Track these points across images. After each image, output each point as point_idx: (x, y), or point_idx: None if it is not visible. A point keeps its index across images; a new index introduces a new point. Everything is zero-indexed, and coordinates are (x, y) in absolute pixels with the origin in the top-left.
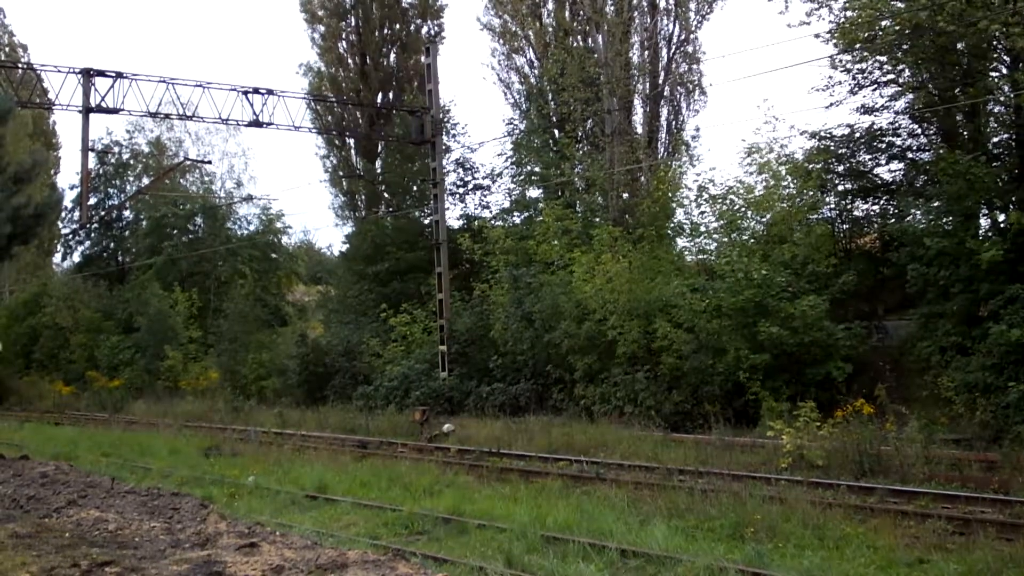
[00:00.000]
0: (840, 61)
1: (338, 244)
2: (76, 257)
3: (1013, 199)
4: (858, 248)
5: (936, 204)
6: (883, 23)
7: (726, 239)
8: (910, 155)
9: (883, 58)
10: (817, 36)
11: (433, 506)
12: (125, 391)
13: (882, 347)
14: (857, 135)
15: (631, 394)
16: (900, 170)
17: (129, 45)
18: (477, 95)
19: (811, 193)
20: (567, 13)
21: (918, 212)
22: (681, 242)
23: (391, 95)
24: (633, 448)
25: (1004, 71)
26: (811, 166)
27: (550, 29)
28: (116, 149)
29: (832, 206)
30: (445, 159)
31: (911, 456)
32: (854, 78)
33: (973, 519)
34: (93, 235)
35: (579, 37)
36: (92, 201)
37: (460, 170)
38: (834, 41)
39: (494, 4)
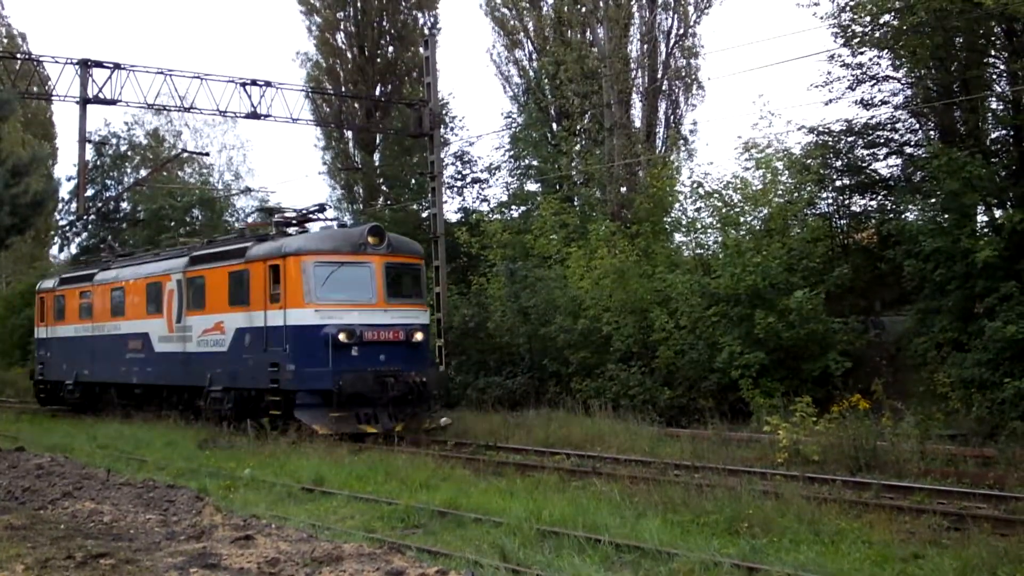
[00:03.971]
0: (839, 56)
1: None
2: (73, 248)
3: (1011, 195)
4: (855, 243)
5: (932, 201)
6: (885, 17)
7: (721, 237)
8: (908, 150)
9: (882, 53)
10: (818, 16)
11: (429, 500)
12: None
13: (879, 342)
14: (856, 130)
15: (626, 388)
16: (898, 166)
17: (127, 36)
18: (476, 83)
19: (808, 187)
20: (566, 7)
21: (915, 209)
22: (678, 237)
23: (389, 87)
24: (629, 442)
25: (1002, 67)
26: (809, 161)
27: (549, 21)
28: (114, 141)
29: (830, 201)
30: (443, 152)
31: (907, 451)
32: (853, 73)
33: (968, 515)
34: (90, 226)
35: (578, 31)
36: (89, 192)
37: (458, 163)
38: (835, 26)
39: None
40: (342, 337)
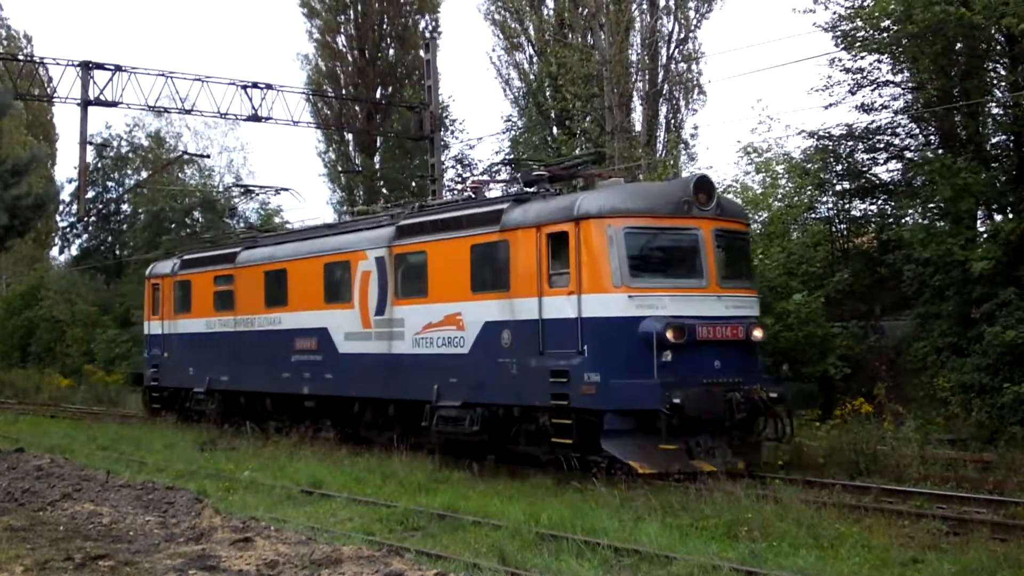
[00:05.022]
0: (839, 60)
1: None
2: (74, 250)
3: (1011, 200)
4: (855, 248)
5: (931, 206)
6: (885, 23)
7: None
8: (908, 155)
9: (883, 57)
10: (816, 25)
11: (428, 503)
12: (122, 385)
13: (879, 347)
14: (856, 134)
15: None
16: (898, 170)
17: (128, 38)
18: (476, 85)
19: (808, 191)
20: (566, 11)
21: (914, 214)
22: None
23: (390, 90)
24: None
25: (1003, 72)
26: (809, 165)
27: (550, 26)
28: (115, 143)
29: (830, 205)
30: (444, 155)
31: (907, 456)
32: (853, 77)
33: (968, 519)
34: (91, 228)
35: (579, 34)
36: (90, 194)
37: (459, 166)
38: (835, 31)
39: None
40: (670, 335)
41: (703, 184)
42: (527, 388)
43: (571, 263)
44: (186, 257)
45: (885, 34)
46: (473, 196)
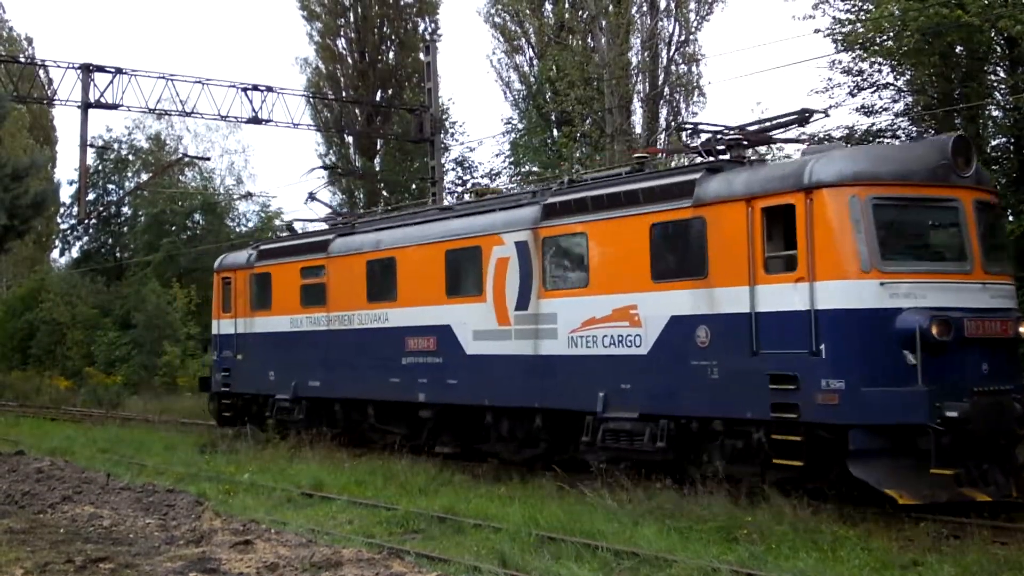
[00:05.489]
0: (839, 62)
1: None
2: (74, 253)
3: (1011, 202)
4: None
5: None
6: (885, 25)
7: None
8: None
9: (883, 60)
10: (818, 31)
11: (428, 505)
12: (122, 387)
13: None
14: (857, 136)
15: None
16: None
17: (129, 40)
18: (476, 88)
19: None
20: (567, 14)
21: None
22: None
23: (390, 92)
24: None
25: (1003, 75)
26: None
27: (550, 29)
28: (116, 145)
29: None
30: (444, 158)
31: None
32: (853, 79)
33: (968, 522)
34: (91, 231)
35: (579, 37)
36: (91, 197)
37: (459, 169)
38: (835, 37)
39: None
40: (935, 331)
41: (962, 145)
42: (734, 396)
43: (799, 243)
44: (264, 247)
45: (885, 36)
46: (640, 165)
